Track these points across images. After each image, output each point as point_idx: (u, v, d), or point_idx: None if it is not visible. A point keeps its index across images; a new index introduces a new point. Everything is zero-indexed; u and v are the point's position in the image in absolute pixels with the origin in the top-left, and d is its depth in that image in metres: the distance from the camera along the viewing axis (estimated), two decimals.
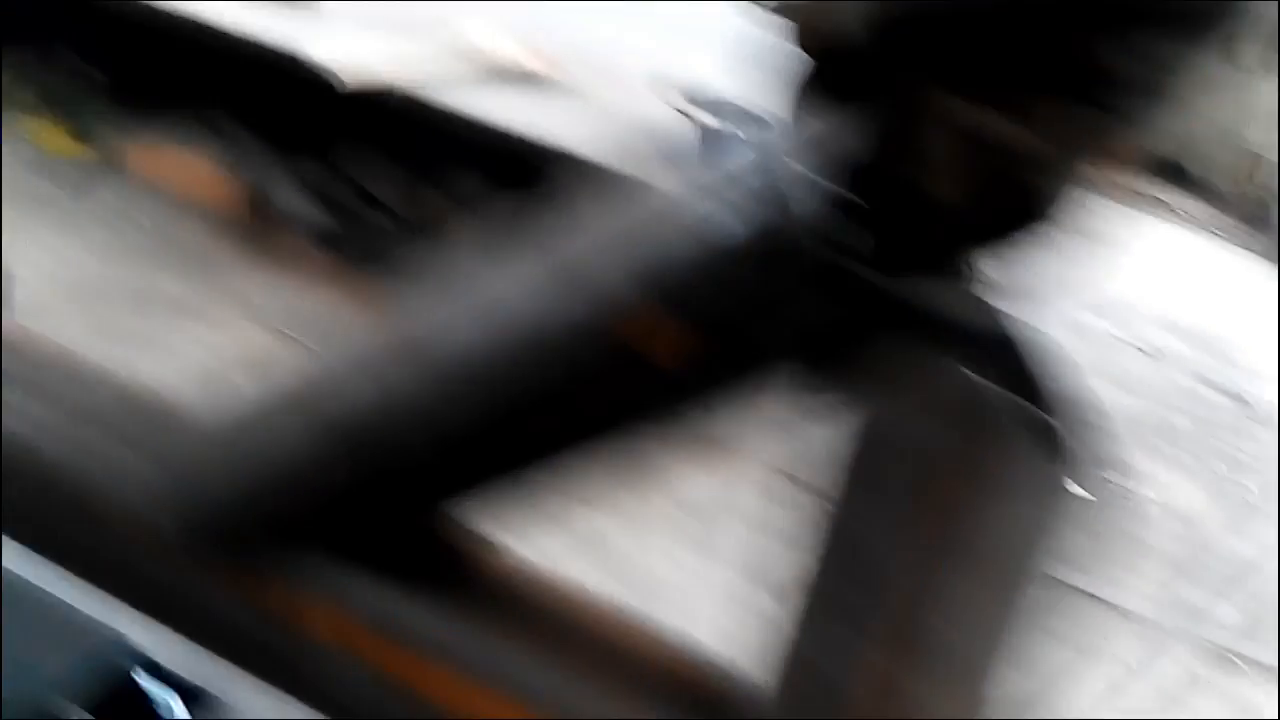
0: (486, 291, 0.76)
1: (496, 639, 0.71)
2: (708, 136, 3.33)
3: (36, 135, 4.08)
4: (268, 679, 0.75)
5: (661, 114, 3.43)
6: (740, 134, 3.32)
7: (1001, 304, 0.61)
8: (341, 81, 3.21)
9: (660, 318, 0.65)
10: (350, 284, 3.82)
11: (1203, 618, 3.27)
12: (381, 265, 3.91)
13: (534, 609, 0.74)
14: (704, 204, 0.68)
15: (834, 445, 0.63)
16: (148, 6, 3.56)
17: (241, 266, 3.79)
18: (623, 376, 0.68)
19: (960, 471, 0.57)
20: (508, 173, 4.13)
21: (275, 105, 4.05)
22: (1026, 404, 0.58)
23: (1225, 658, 3.09)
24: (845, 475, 0.61)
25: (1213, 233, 6.81)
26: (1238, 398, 4.73)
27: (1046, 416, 0.58)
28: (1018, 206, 0.59)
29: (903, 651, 0.58)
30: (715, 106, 3.38)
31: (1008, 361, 0.60)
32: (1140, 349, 4.97)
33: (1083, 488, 0.59)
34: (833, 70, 0.64)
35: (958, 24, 0.55)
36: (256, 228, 3.96)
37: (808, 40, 0.65)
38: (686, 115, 3.33)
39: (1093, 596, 3.23)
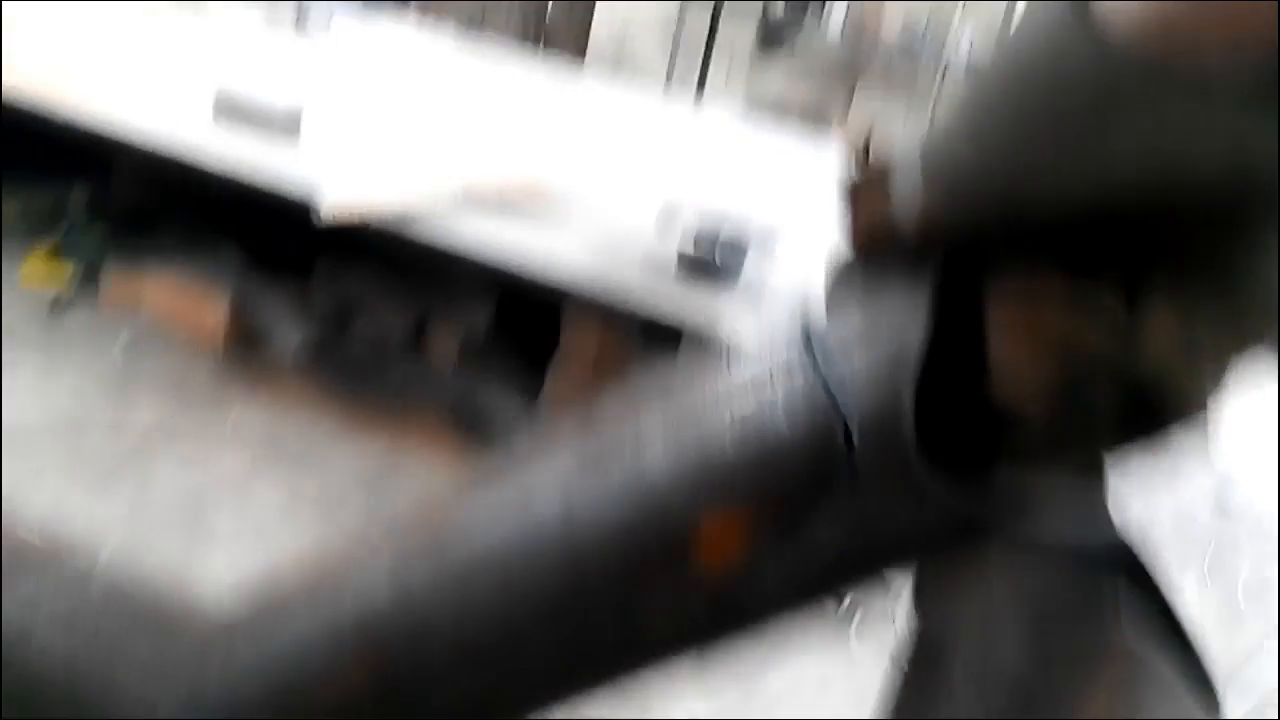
0: (522, 482, 0.70)
1: None
2: (704, 266, 3.36)
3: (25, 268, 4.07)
4: None
5: (655, 241, 3.46)
6: (739, 262, 3.36)
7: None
8: (320, 213, 3.21)
9: (713, 518, 0.61)
10: (336, 407, 3.79)
11: None
12: (368, 388, 3.90)
13: None
14: (752, 397, 0.64)
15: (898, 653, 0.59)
16: (126, 135, 3.57)
17: (222, 393, 3.74)
18: (675, 582, 0.63)
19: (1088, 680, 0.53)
20: (492, 299, 4.17)
21: (258, 229, 4.06)
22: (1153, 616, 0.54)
23: None
24: (914, 689, 0.57)
25: None
26: (1218, 504, 4.73)
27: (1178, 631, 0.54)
28: (1101, 417, 0.55)
29: None
30: (715, 236, 3.40)
31: (1117, 572, 0.56)
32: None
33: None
34: (883, 260, 0.61)
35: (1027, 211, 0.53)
36: (238, 352, 3.92)
37: (860, 225, 0.63)
38: (690, 250, 3.36)
39: None
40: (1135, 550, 0.57)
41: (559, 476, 0.70)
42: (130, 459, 3.26)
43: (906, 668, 0.61)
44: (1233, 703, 3.36)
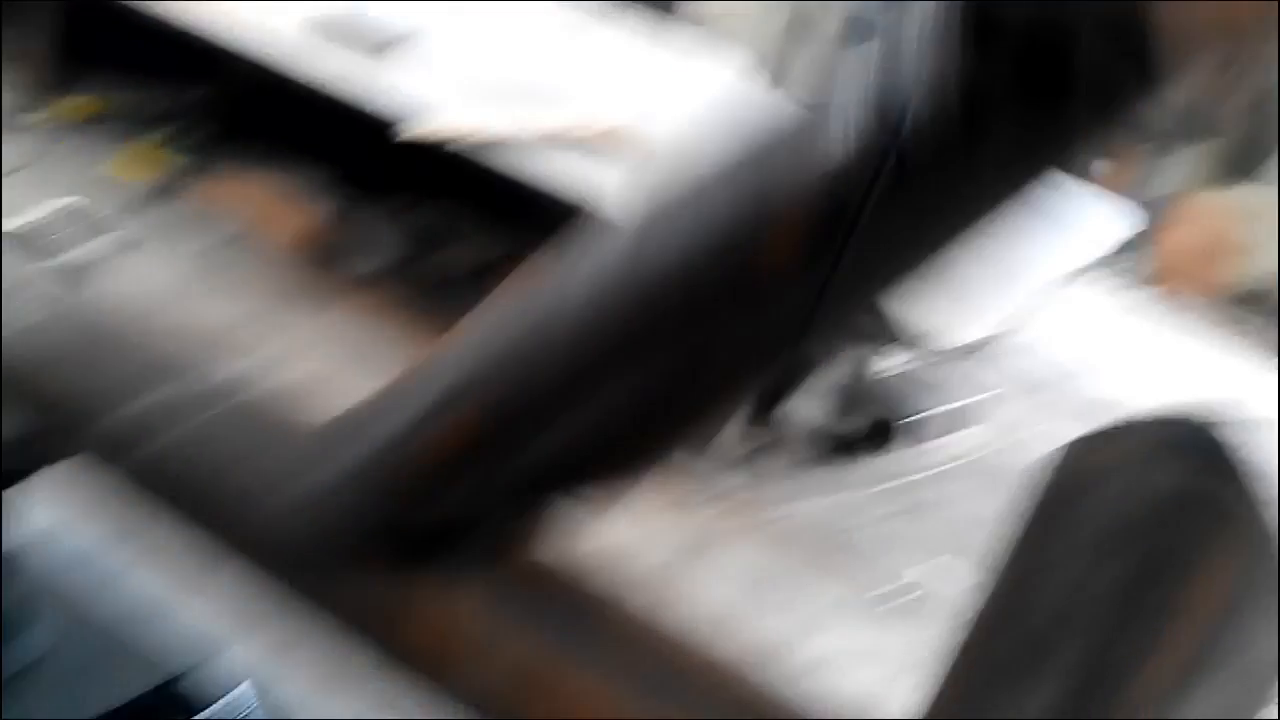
0: (603, 244, 0.74)
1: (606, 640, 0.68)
2: None
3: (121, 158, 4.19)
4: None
5: None
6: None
7: None
8: (400, 131, 3.27)
9: (772, 229, 0.63)
10: (415, 325, 3.86)
11: None
12: (449, 310, 3.96)
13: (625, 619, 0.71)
14: (816, 120, 0.65)
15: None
16: (235, 43, 3.66)
17: (301, 299, 3.83)
18: (739, 301, 0.65)
19: (1196, 560, 0.53)
20: (553, 228, 4.19)
21: (354, 146, 4.14)
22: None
23: None
24: (1046, 519, 0.58)
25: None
26: None
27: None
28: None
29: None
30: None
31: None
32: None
33: None
34: None
35: None
36: (323, 262, 4.01)
37: None
38: None
39: None
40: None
41: (628, 231, 0.74)
42: (195, 356, 3.35)
43: (1030, 518, 0.61)
44: None
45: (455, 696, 0.69)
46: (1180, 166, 7.68)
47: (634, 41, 5.18)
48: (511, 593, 0.71)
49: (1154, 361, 6.07)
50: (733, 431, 3.66)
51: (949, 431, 4.20)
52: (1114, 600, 0.52)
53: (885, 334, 3.48)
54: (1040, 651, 0.53)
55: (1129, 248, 7.21)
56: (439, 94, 3.60)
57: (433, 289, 4.06)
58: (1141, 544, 0.54)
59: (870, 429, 4.01)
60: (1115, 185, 6.97)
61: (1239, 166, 7.46)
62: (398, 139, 3.28)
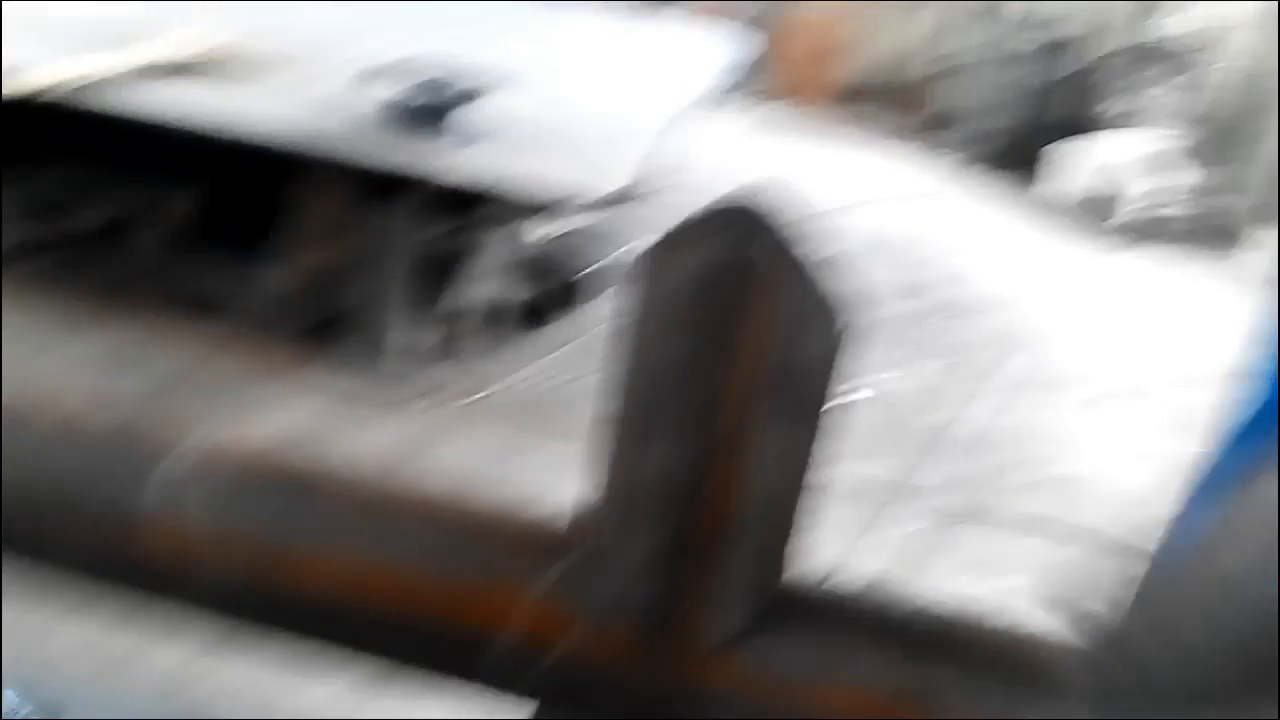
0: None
1: None
2: (401, 110, 3.33)
3: None
4: None
5: (354, 93, 3.40)
6: (440, 106, 3.35)
7: None
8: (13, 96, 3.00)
9: None
10: (53, 307, 3.61)
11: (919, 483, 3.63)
12: (85, 282, 3.72)
13: None
14: None
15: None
16: None
17: None
18: None
19: (741, 309, 0.65)
20: (189, 166, 4.01)
21: None
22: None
23: (944, 516, 3.46)
24: (638, 317, 0.69)
25: (893, 151, 7.42)
26: (919, 293, 5.22)
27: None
28: None
29: (718, 463, 0.66)
30: (429, 86, 3.39)
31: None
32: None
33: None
34: None
35: None
36: None
37: None
38: (396, 97, 3.32)
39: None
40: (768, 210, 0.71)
41: None
42: None
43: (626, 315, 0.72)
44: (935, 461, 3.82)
45: (194, 599, 0.73)
46: None
47: None
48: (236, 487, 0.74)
49: (789, 169, 6.56)
50: (412, 325, 3.70)
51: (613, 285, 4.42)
52: (683, 359, 0.67)
53: (538, 202, 3.60)
54: (646, 417, 0.69)
55: (751, 68, 7.66)
56: (27, 48, 3.30)
57: (66, 257, 3.79)
58: (698, 312, 0.69)
59: (552, 291, 4.16)
60: (721, 9, 7.35)
61: None
62: None
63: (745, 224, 0.71)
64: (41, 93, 3.09)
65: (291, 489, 0.75)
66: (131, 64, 3.30)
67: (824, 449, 0.74)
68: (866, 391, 4.20)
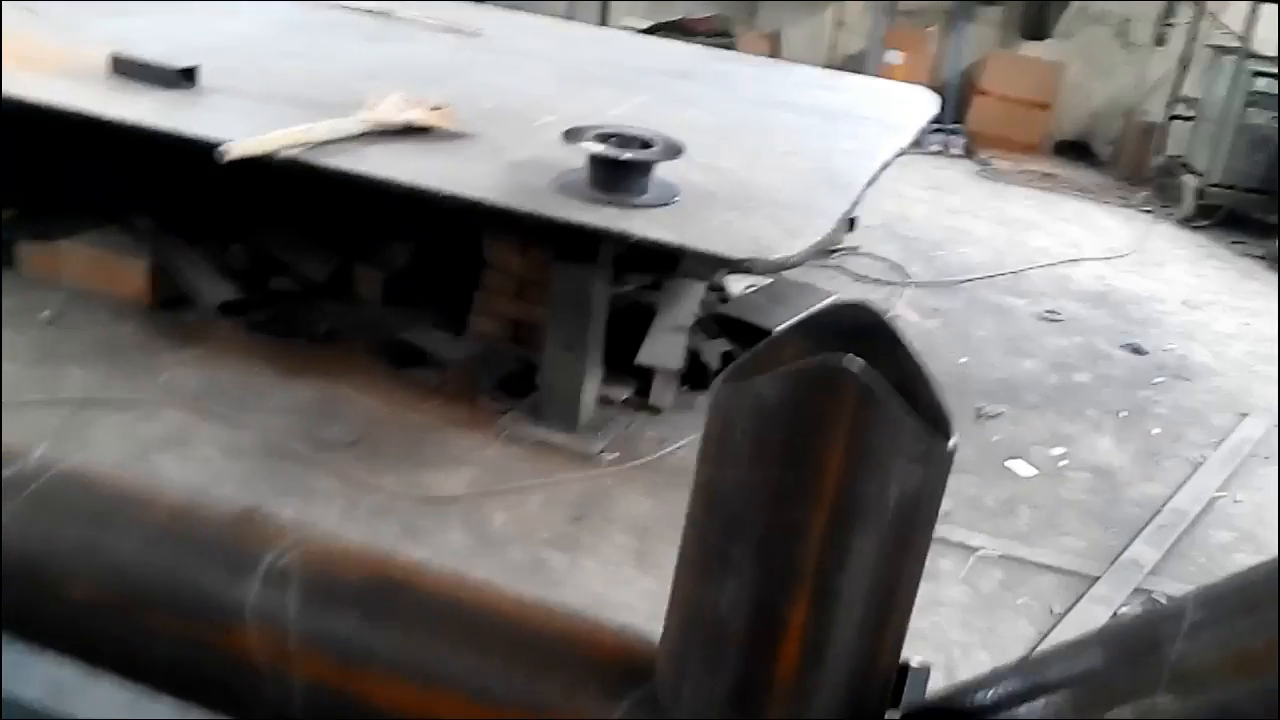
0: None
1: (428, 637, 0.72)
2: (610, 168, 3.40)
3: None
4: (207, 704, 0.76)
5: (558, 152, 3.50)
6: (646, 161, 3.41)
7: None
8: (222, 152, 3.22)
9: None
10: (267, 356, 3.85)
11: (1125, 562, 3.40)
12: (297, 333, 3.96)
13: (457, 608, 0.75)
14: None
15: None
16: (29, 103, 3.55)
17: (152, 353, 3.78)
18: None
19: (825, 428, 0.61)
20: (411, 232, 4.22)
21: (170, 190, 4.07)
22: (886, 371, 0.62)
23: (1150, 598, 3.22)
24: (713, 440, 0.66)
25: (1116, 202, 7.08)
26: (1136, 351, 4.92)
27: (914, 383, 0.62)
28: None
29: (799, 600, 0.62)
30: (630, 145, 3.46)
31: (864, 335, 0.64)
32: (1046, 317, 5.15)
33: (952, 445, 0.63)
34: None
35: None
36: (164, 313, 3.96)
37: None
38: (599, 155, 3.40)
39: (1015, 558, 3.35)
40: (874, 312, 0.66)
41: None
42: (68, 426, 3.30)
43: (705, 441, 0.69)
44: (1150, 538, 3.57)
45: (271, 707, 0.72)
46: (973, 38, 7.96)
47: (447, 17, 5.18)
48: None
49: (995, 223, 6.35)
50: (606, 379, 3.74)
51: None
52: (769, 491, 0.63)
53: (733, 259, 3.60)
54: (720, 555, 0.64)
55: (943, 127, 7.49)
56: (246, 117, 3.56)
57: (283, 311, 4.05)
58: (774, 443, 0.64)
59: (748, 346, 4.14)
60: (911, 72, 7.23)
61: (1034, 28, 7.77)
62: (221, 159, 3.23)
63: (832, 340, 0.67)
64: (265, 156, 3.32)
65: (373, 598, 0.75)
66: (348, 130, 3.50)
67: (918, 574, 0.69)
68: (1076, 459, 4.00)
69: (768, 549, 0.64)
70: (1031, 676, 0.71)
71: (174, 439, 3.39)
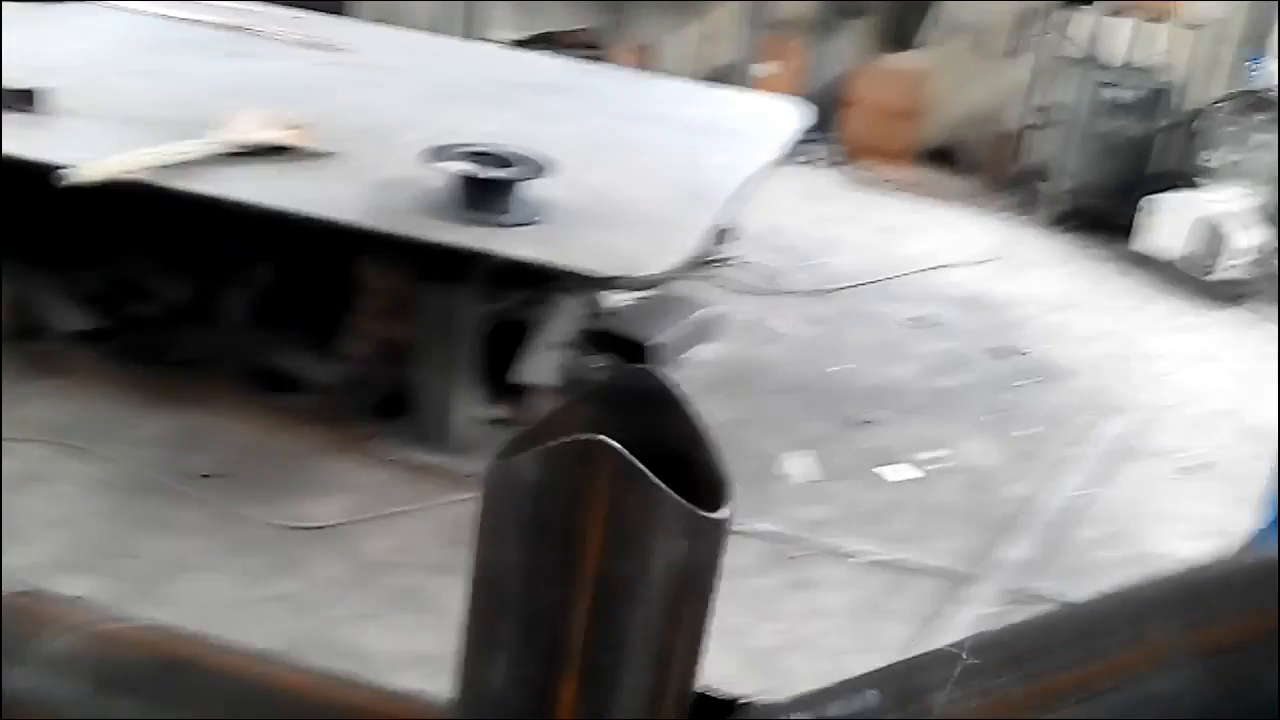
0: None
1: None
2: (474, 186, 3.36)
3: None
4: None
5: (423, 171, 3.44)
6: (511, 180, 3.38)
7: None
8: (65, 177, 3.09)
9: None
10: (131, 384, 3.70)
11: (997, 562, 3.48)
12: (161, 360, 3.82)
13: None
14: None
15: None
16: None
17: (7, 382, 3.60)
18: None
19: (583, 508, 0.60)
20: (260, 247, 4.11)
21: (17, 217, 3.89)
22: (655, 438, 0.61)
23: (1026, 597, 3.30)
24: (482, 518, 0.65)
25: (981, 209, 7.27)
26: (1005, 354, 5.06)
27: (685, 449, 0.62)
28: None
29: (568, 678, 0.62)
30: (493, 163, 3.42)
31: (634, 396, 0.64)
32: (917, 323, 5.25)
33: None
34: None
35: None
36: (21, 345, 3.78)
37: None
38: (462, 173, 3.35)
39: (887, 563, 3.40)
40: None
41: None
42: None
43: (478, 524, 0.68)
44: (1023, 536, 3.66)
45: None
46: (841, 50, 8.12)
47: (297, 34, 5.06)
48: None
49: (868, 231, 6.47)
50: (479, 399, 3.69)
51: (683, 352, 4.38)
52: (534, 571, 0.63)
53: (603, 276, 3.60)
54: (492, 632, 0.64)
55: (814, 137, 7.62)
56: (94, 139, 3.43)
57: (141, 338, 3.90)
58: (536, 522, 0.64)
59: (620, 363, 4.14)
60: (782, 83, 7.34)
61: (897, 39, 7.96)
62: (61, 184, 3.09)
63: (616, 409, 0.66)
64: (115, 179, 3.19)
65: (162, 676, 0.71)
66: (202, 151, 3.39)
67: (697, 639, 0.68)
68: (948, 463, 4.08)
69: (535, 627, 0.63)
70: (811, 711, 0.71)
71: (33, 475, 3.24)
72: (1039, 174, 7.26)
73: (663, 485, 0.59)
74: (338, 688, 0.71)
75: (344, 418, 3.68)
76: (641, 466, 0.59)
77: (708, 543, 0.63)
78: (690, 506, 0.60)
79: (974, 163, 8.06)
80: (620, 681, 0.63)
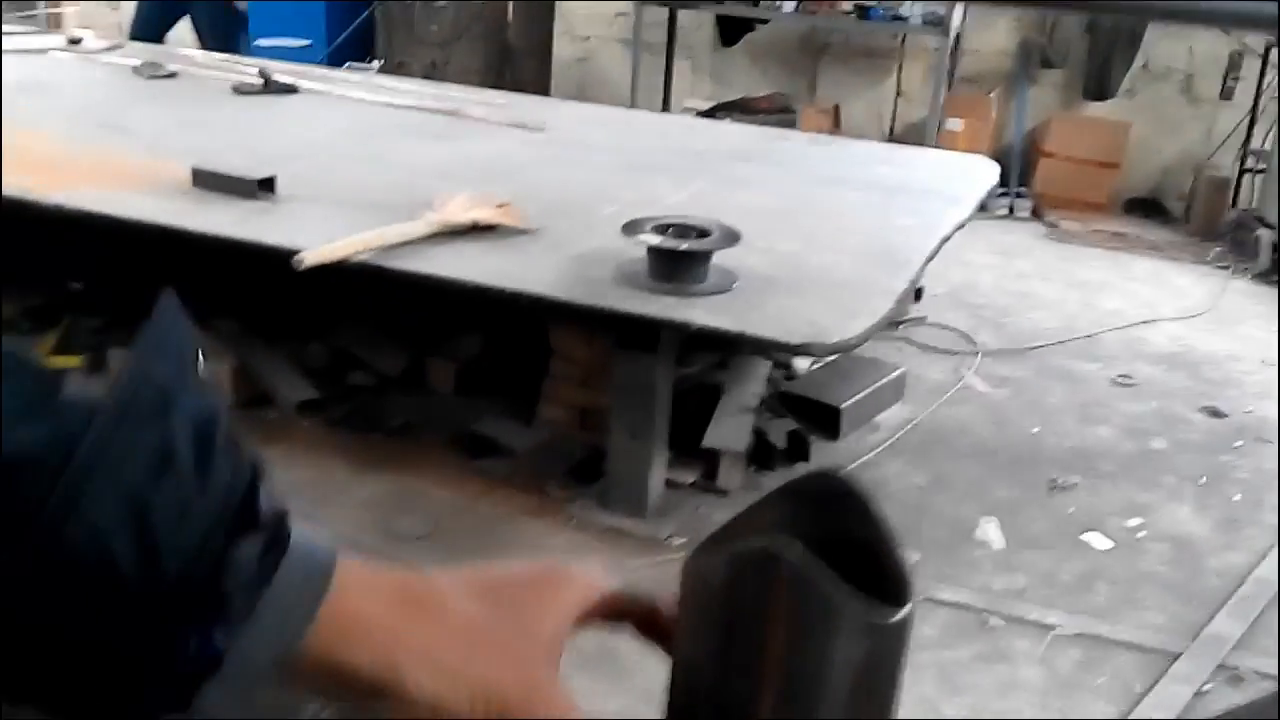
0: None
1: None
2: (667, 258, 3.48)
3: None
4: None
5: (618, 243, 3.58)
6: (703, 251, 3.49)
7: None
8: (298, 260, 3.37)
9: None
10: (344, 451, 3.97)
11: (1208, 637, 3.32)
12: (373, 428, 4.08)
13: None
14: None
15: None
16: (113, 218, 3.75)
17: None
18: None
19: (766, 608, 0.67)
20: (479, 327, 4.34)
21: (250, 296, 4.25)
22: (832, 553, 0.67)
23: (1234, 674, 3.14)
24: (681, 610, 0.72)
25: (1190, 260, 6.98)
26: (1215, 414, 4.83)
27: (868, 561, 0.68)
28: None
29: None
30: (688, 234, 3.53)
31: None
32: (1120, 382, 5.09)
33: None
34: None
35: None
36: (245, 414, 4.11)
37: None
38: (658, 246, 3.48)
39: (1093, 636, 3.30)
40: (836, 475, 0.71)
41: None
42: None
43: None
44: (1233, 610, 3.49)
45: None
46: (1035, 101, 7.96)
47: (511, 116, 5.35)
48: None
49: (1065, 286, 6.30)
50: (661, 478, 3.78)
51: (874, 414, 4.37)
52: (723, 664, 0.69)
53: (779, 349, 3.65)
54: (689, 716, 0.70)
55: (1008, 191, 7.47)
56: (320, 222, 3.72)
57: (349, 412, 4.19)
58: (721, 621, 0.70)
59: (811, 427, 4.17)
60: (973, 139, 7.25)
61: (1097, 88, 7.75)
62: (298, 267, 3.38)
63: (808, 505, 0.72)
64: (341, 261, 3.46)
65: None
66: (418, 231, 3.64)
67: None
68: (1151, 530, 3.93)
69: (726, 714, 0.69)
70: None
71: None
72: (1256, 221, 6.92)
73: (841, 585, 0.65)
74: None
75: (541, 482, 3.84)
76: (821, 566, 0.65)
77: (889, 640, 0.69)
78: (866, 608, 0.66)
79: (1182, 212, 7.75)
80: None
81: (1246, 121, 7.34)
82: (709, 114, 7.56)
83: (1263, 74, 7.26)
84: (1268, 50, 7.21)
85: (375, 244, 3.52)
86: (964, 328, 5.56)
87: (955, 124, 7.51)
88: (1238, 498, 4.15)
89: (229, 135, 4.85)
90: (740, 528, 0.72)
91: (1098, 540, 3.82)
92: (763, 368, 4.27)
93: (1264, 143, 7.24)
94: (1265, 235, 6.74)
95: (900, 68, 8.04)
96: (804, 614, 0.65)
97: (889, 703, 0.72)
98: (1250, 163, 7.29)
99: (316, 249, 3.41)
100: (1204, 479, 4.26)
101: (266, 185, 3.97)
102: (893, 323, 5.07)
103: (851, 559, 0.68)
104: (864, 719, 0.70)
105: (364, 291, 4.00)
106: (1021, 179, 7.64)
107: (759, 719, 0.68)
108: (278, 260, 3.43)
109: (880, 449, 4.27)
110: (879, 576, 0.68)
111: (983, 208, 5.02)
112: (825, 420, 4.20)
